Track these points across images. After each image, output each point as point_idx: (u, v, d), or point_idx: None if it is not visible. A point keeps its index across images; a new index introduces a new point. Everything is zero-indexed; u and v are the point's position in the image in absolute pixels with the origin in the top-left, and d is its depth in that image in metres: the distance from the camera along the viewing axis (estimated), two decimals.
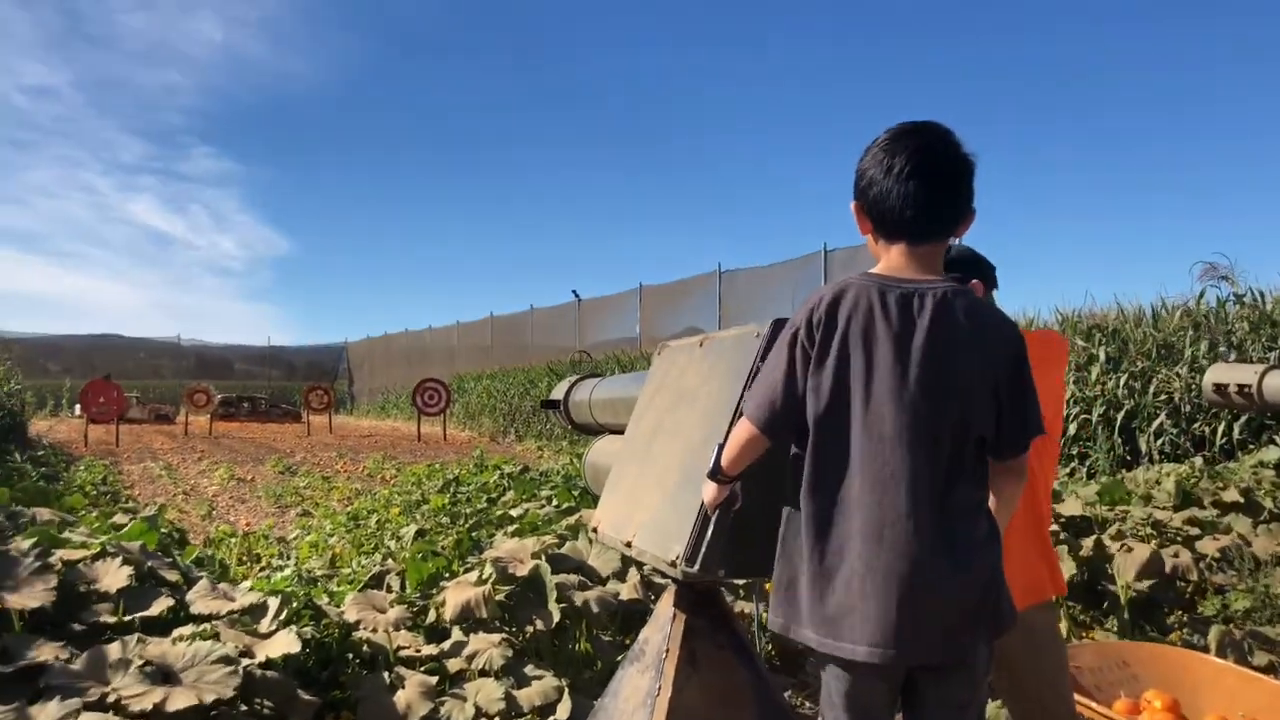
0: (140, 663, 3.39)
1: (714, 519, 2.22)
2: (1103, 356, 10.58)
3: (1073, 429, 10.45)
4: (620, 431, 3.30)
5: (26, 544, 4.27)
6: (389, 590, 4.73)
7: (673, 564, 2.31)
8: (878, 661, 1.91)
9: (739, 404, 2.31)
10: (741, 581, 4.59)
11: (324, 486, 12.56)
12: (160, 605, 4.08)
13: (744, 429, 2.13)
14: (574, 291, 26.39)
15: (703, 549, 2.25)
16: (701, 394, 2.56)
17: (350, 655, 4.16)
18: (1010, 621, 2.04)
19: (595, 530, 2.93)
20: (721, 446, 2.19)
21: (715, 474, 2.19)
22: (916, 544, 1.90)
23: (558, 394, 4.14)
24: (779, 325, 2.34)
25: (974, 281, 2.61)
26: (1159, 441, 9.64)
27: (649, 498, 2.59)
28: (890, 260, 2.10)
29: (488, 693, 3.79)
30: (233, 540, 7.33)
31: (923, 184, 2.04)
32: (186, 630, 3.78)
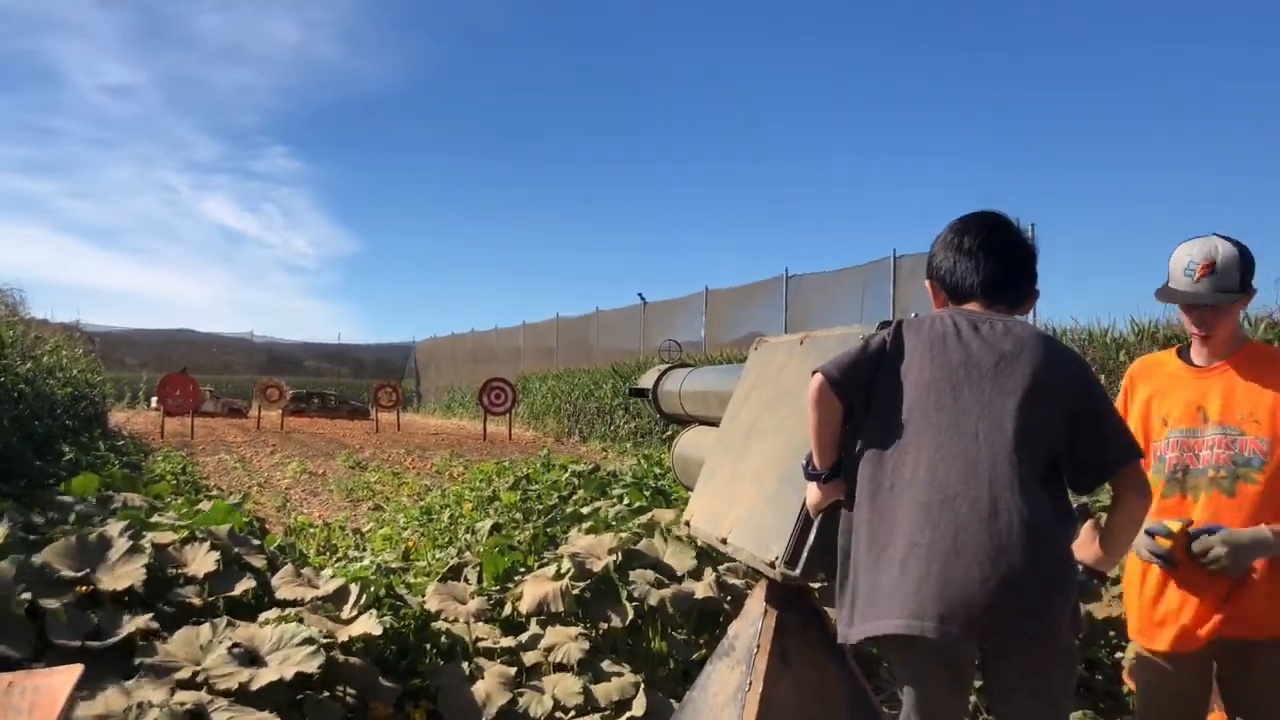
0: (229, 644, 3.45)
1: (816, 522, 2.23)
2: None
3: None
4: (710, 423, 3.28)
5: (118, 527, 4.36)
6: (466, 582, 4.76)
7: (771, 564, 2.30)
8: (903, 633, 1.97)
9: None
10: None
11: (394, 482, 12.69)
12: (245, 588, 4.15)
13: (813, 383, 2.22)
14: (639, 294, 26.37)
15: (805, 553, 2.25)
16: (802, 393, 2.53)
17: (428, 645, 4.19)
18: (1069, 633, 2.09)
19: (688, 522, 2.92)
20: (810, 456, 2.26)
21: (811, 472, 2.25)
22: (964, 521, 1.97)
23: (646, 382, 4.13)
24: (884, 327, 2.34)
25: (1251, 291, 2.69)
26: None
27: (746, 495, 2.57)
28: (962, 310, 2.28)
29: (566, 686, 3.80)
30: (312, 530, 7.45)
31: (991, 254, 2.26)
32: (272, 614, 3.84)
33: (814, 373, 2.23)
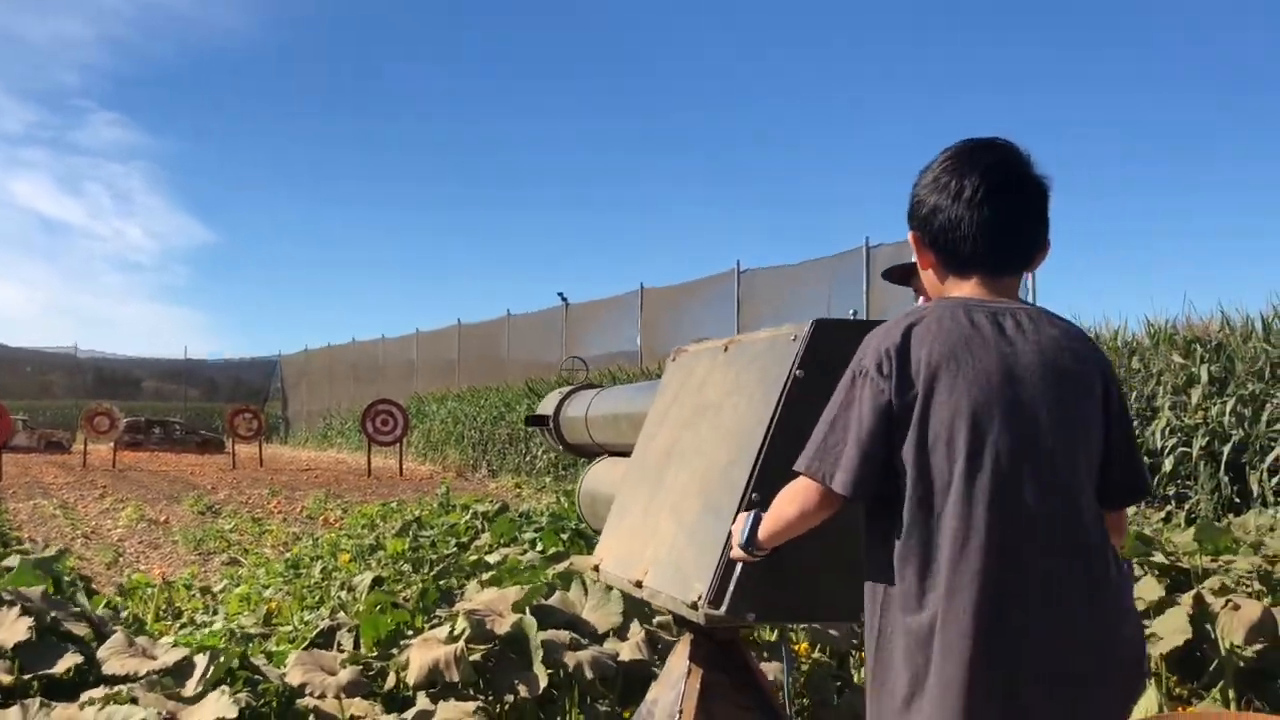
0: None
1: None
2: (1205, 377, 10.47)
3: (1168, 465, 10.39)
4: (623, 453, 3.37)
5: None
6: (340, 649, 4.79)
7: (693, 605, 2.36)
8: None
9: (768, 431, 2.37)
10: (770, 632, 4.65)
11: (255, 530, 12.65)
12: (66, 663, 4.15)
13: (806, 492, 2.08)
14: (560, 294, 26.50)
15: (730, 587, 2.31)
16: (726, 406, 2.63)
17: None
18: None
19: (597, 567, 3.00)
20: (758, 516, 2.18)
21: (749, 546, 2.20)
22: (1060, 603, 1.92)
23: (546, 408, 4.22)
24: (822, 326, 2.40)
25: None
26: (1275, 480, 9.59)
27: (663, 529, 2.65)
28: (962, 292, 2.12)
29: None
30: (149, 590, 7.41)
31: (999, 208, 2.07)
32: (98, 693, 3.84)
33: (809, 478, 2.08)
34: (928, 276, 2.22)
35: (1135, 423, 10.94)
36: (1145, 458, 10.67)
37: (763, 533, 2.16)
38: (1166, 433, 10.52)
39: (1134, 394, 11.12)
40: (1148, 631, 5.28)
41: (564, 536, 7.64)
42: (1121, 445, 2.07)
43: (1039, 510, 1.92)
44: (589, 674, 4.38)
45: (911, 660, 1.95)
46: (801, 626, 4.88)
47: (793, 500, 2.11)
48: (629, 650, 4.59)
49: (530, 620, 4.66)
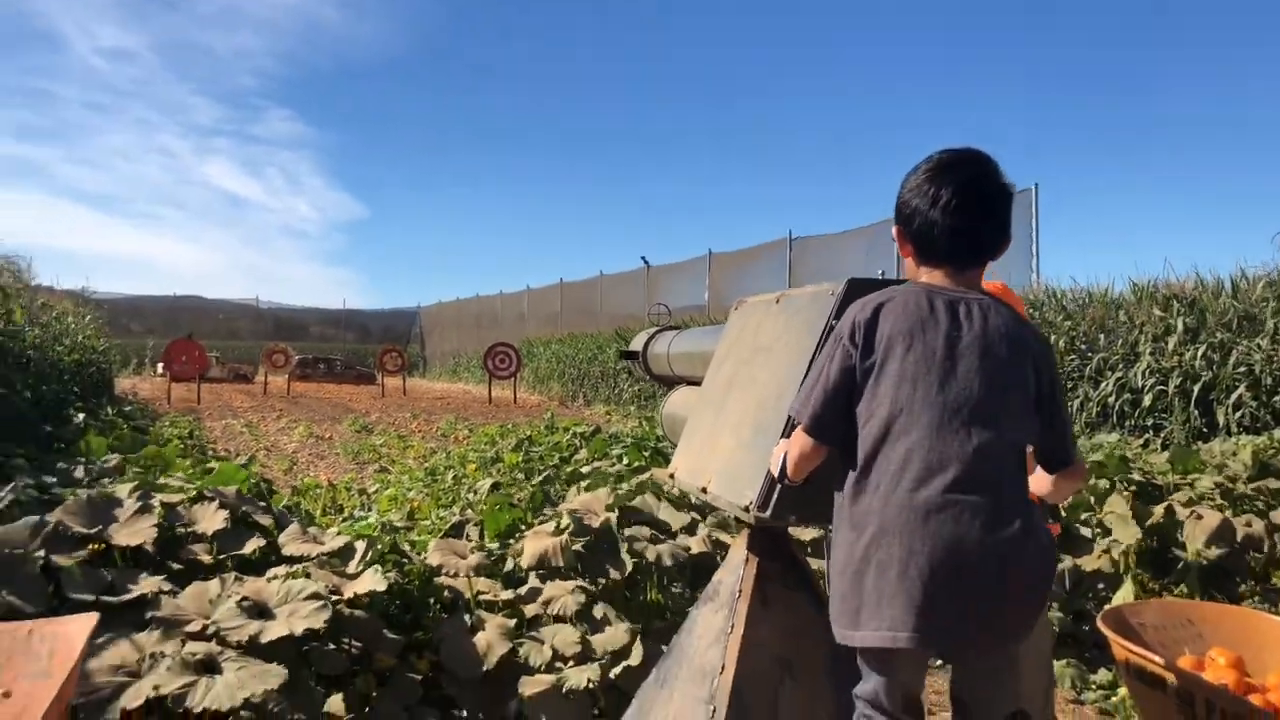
0: (238, 598, 3.58)
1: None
2: (1180, 327, 10.37)
3: (1148, 400, 10.30)
4: (696, 383, 3.40)
5: (128, 487, 4.49)
6: (468, 539, 4.89)
7: (745, 509, 2.41)
8: (901, 646, 1.98)
9: (808, 369, 2.39)
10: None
11: (400, 445, 12.85)
12: (253, 546, 4.28)
13: (800, 439, 2.21)
14: (643, 258, 26.47)
15: (774, 496, 2.35)
16: (776, 348, 2.65)
17: (431, 600, 4.32)
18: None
19: (673, 475, 3.04)
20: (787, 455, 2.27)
21: (781, 478, 2.30)
22: (963, 527, 1.95)
23: (636, 345, 4.24)
24: (854, 284, 2.42)
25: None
26: (1238, 414, 9.44)
27: (724, 446, 2.69)
28: (932, 279, 2.21)
29: (564, 637, 3.94)
30: (318, 491, 7.60)
31: (966, 216, 2.14)
32: (279, 570, 3.96)
33: (796, 426, 2.21)
34: (907, 263, 2.30)
35: (1120, 365, 10.82)
36: (1129, 394, 10.55)
37: (790, 462, 2.24)
38: (1147, 374, 10.41)
39: (1119, 341, 11.02)
40: (1119, 536, 5.25)
41: (645, 453, 7.71)
42: (1048, 420, 2.13)
43: (957, 453, 1.98)
44: (665, 562, 4.44)
45: (850, 564, 2.05)
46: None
47: (793, 443, 2.23)
48: (697, 544, 4.64)
49: (618, 518, 4.74)
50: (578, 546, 4.41)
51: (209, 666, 3.23)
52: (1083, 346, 11.43)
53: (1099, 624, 3.17)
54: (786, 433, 2.34)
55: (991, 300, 2.16)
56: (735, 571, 2.64)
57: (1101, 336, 11.32)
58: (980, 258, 2.21)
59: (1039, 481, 2.22)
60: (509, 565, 4.53)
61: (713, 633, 2.61)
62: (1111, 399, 10.76)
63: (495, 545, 4.72)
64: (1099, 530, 5.47)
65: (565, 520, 4.54)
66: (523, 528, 4.96)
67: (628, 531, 4.60)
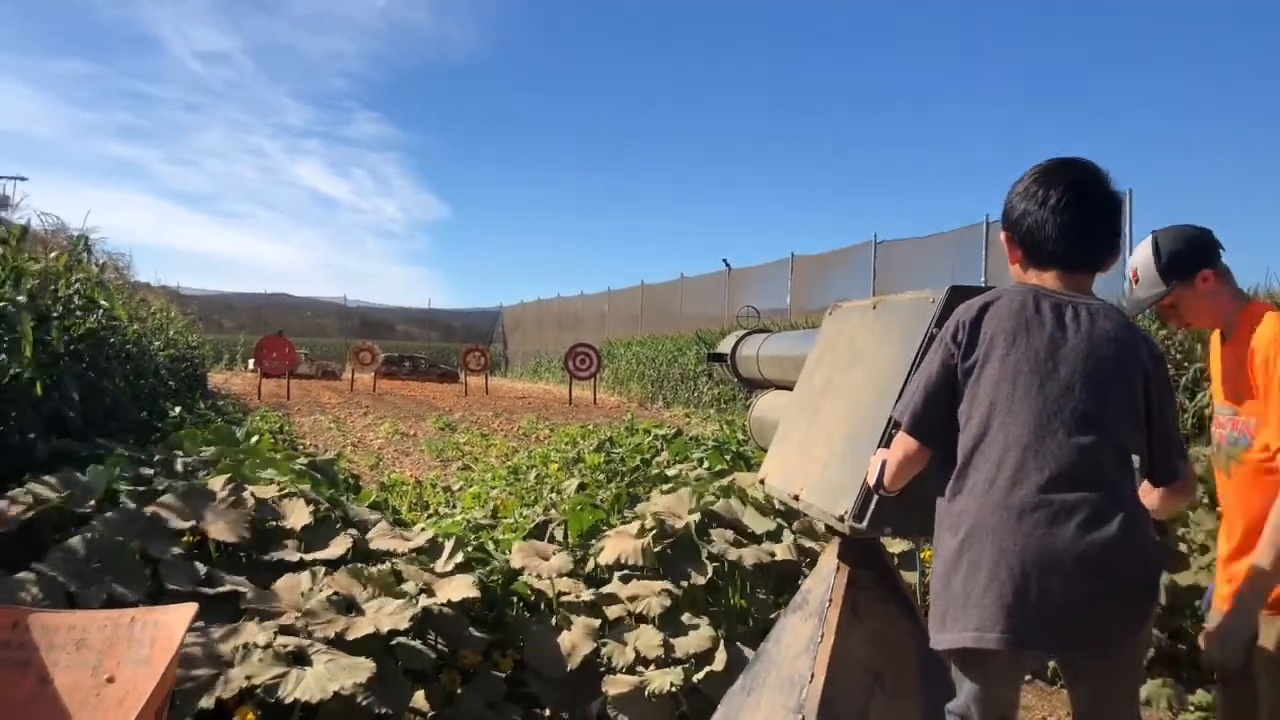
0: (328, 592, 3.64)
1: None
2: None
3: None
4: (785, 387, 3.36)
5: (221, 480, 4.59)
6: (551, 539, 4.91)
7: (840, 519, 2.37)
8: (991, 648, 1.93)
9: (908, 377, 2.34)
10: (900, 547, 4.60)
11: (482, 443, 12.96)
12: (341, 541, 4.34)
13: (902, 441, 2.16)
14: (724, 260, 26.32)
15: (870, 507, 2.31)
16: (874, 357, 2.60)
17: (514, 599, 4.35)
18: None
19: (762, 481, 3.01)
20: (885, 464, 2.21)
21: (878, 488, 2.24)
22: (1058, 529, 1.89)
23: (724, 347, 4.21)
24: (956, 292, 2.36)
25: (1204, 272, 2.60)
26: None
27: (818, 453, 2.65)
28: (1042, 281, 2.16)
29: (647, 639, 3.92)
30: (404, 487, 7.69)
31: (1077, 215, 2.11)
32: (370, 568, 4.01)
33: (898, 427, 2.17)
34: (1014, 270, 2.25)
35: None
36: None
37: (889, 468, 2.19)
38: None
39: None
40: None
41: (727, 457, 7.66)
42: (1159, 433, 2.08)
43: (1055, 453, 1.93)
44: (748, 567, 4.40)
45: (945, 566, 2.01)
46: (927, 540, 4.82)
47: (896, 446, 2.18)
48: (781, 551, 4.59)
49: (701, 521, 4.71)
50: (660, 548, 4.39)
51: (299, 659, 3.28)
52: (1178, 356, 11.09)
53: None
54: (884, 442, 2.30)
55: (1102, 305, 2.09)
56: (825, 580, 2.60)
57: (1199, 346, 10.98)
58: (1090, 260, 2.15)
59: (1145, 496, 2.15)
60: (590, 566, 4.53)
61: (801, 641, 2.57)
62: (1208, 410, 10.41)
63: (578, 545, 4.73)
64: (1195, 546, 5.28)
65: (649, 522, 4.53)
66: (605, 529, 4.96)
67: (711, 535, 4.57)
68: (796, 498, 2.65)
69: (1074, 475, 1.91)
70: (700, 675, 3.75)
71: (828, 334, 3.00)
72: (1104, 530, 1.88)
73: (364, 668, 3.23)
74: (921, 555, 4.85)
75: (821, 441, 2.66)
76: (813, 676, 2.46)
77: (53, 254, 7.13)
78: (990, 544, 1.91)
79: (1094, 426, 1.95)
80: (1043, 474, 1.91)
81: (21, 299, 5.62)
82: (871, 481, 2.25)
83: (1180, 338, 11.25)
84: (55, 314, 6.50)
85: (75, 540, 3.69)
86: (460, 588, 3.92)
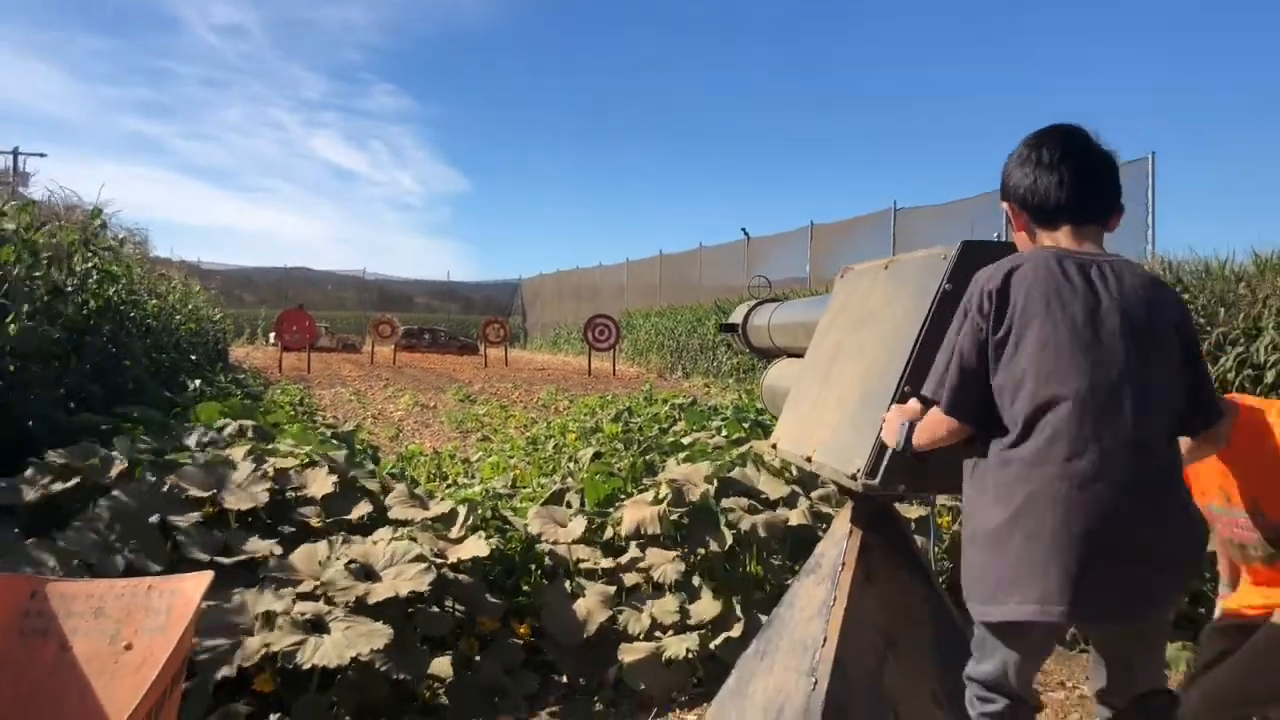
0: (346, 560, 3.66)
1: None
2: None
3: (1270, 376, 9.83)
4: (797, 355, 3.34)
5: (241, 451, 4.62)
6: (568, 507, 4.93)
7: (853, 477, 2.35)
8: (1040, 620, 1.93)
9: (919, 335, 2.32)
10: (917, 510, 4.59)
11: (502, 415, 12.99)
12: (360, 510, 4.37)
13: (939, 421, 2.10)
14: (743, 230, 26.17)
15: (884, 463, 2.29)
16: (886, 315, 2.57)
17: (532, 566, 4.37)
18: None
19: (775, 446, 3.00)
20: (912, 424, 2.16)
21: (906, 449, 2.19)
22: (1108, 503, 1.88)
23: (736, 318, 4.19)
24: (968, 247, 2.34)
25: None
26: None
27: (830, 416, 2.64)
28: (1056, 242, 2.13)
29: (663, 606, 3.94)
30: (423, 458, 7.72)
31: (1073, 166, 2.10)
32: (385, 533, 4.04)
33: (935, 406, 2.11)
34: (1021, 239, 2.22)
35: (1241, 340, 10.38)
36: (1250, 369, 10.13)
37: (919, 440, 2.15)
38: (1270, 349, 9.95)
39: (1241, 315, 10.56)
40: None
41: (744, 425, 7.65)
42: (1192, 381, 2.07)
43: (1110, 423, 1.90)
44: (763, 534, 4.41)
45: (991, 536, 1.98)
46: (944, 502, 4.81)
47: (931, 424, 2.13)
48: (796, 517, 4.59)
49: (717, 489, 4.72)
50: (676, 517, 4.40)
51: (318, 626, 3.31)
52: (1201, 320, 10.99)
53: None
54: (897, 398, 2.28)
55: (1123, 261, 2.07)
56: (838, 544, 2.59)
57: (1222, 310, 10.87)
58: (1096, 210, 2.13)
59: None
60: (608, 533, 4.55)
61: (814, 605, 2.57)
62: (1231, 375, 10.33)
63: (595, 513, 4.74)
64: None
65: (664, 490, 4.53)
66: (622, 497, 4.97)
67: (725, 502, 4.58)
68: (809, 460, 2.64)
69: (1131, 445, 1.90)
70: (717, 641, 3.77)
71: (839, 297, 2.98)
72: (1162, 497, 1.92)
73: (382, 634, 3.25)
74: (939, 522, 4.83)
75: (833, 403, 2.64)
76: (825, 640, 2.46)
77: (54, 227, 7.02)
78: (1052, 514, 1.88)
79: (1142, 391, 1.93)
80: (1101, 444, 1.89)
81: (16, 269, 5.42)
82: (889, 440, 2.22)
83: (1203, 301, 11.16)
84: (69, 288, 6.51)
85: (96, 511, 3.73)
86: (471, 547, 3.96)
